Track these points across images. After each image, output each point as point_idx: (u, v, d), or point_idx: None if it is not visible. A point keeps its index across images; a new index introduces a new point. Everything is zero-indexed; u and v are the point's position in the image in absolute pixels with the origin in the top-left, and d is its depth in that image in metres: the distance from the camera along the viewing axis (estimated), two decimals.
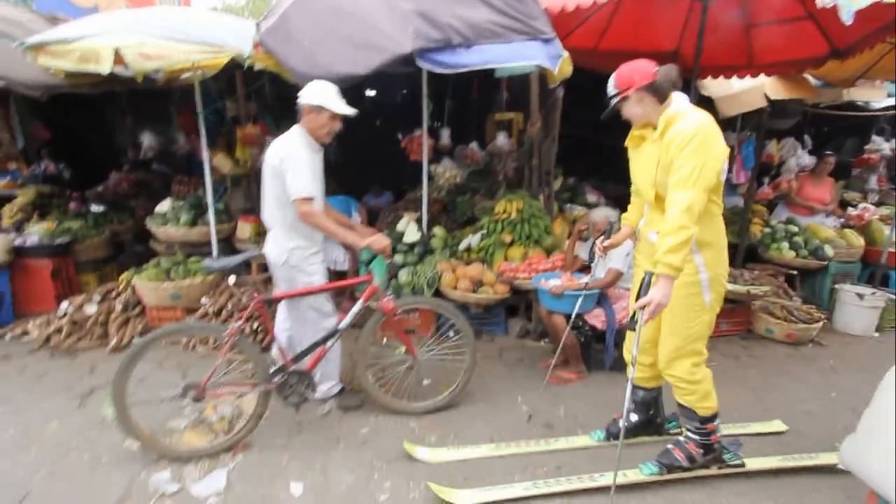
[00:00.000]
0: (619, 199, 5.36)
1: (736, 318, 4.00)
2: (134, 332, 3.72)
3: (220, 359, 2.39)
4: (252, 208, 4.68)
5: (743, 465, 2.24)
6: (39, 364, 3.37)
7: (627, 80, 1.98)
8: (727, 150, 1.88)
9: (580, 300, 2.55)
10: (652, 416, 2.49)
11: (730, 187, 5.74)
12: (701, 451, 2.18)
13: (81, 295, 3.95)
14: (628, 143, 2.19)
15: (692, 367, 2.08)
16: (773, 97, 4.55)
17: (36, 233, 4.36)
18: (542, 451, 2.44)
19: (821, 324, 3.87)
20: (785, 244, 4.63)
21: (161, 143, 5.08)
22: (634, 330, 1.94)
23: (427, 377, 3.12)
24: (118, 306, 3.84)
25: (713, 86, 4.69)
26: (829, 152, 5.23)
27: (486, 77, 4.98)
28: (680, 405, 2.18)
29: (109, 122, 6.28)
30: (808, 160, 5.41)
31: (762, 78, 4.49)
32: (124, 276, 3.96)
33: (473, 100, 5.02)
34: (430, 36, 2.73)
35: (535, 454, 2.43)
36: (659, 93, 1.95)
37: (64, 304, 3.81)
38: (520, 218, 4.04)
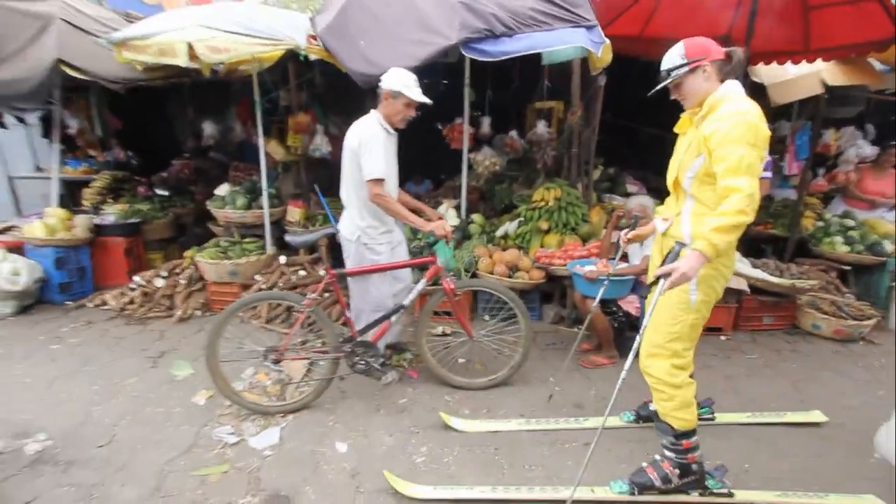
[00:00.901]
0: (661, 190, 5.27)
1: (780, 312, 3.89)
2: (196, 305, 4.09)
3: (296, 326, 2.63)
4: (300, 193, 4.96)
5: (731, 495, 2.04)
6: (117, 329, 3.78)
7: (702, 49, 1.83)
8: (769, 136, 1.75)
9: (605, 283, 2.59)
10: None
11: (781, 178, 5.52)
12: (677, 471, 2.01)
13: (150, 270, 4.37)
14: (678, 128, 2.03)
15: (672, 368, 1.96)
16: (831, 83, 4.33)
17: (111, 214, 4.83)
18: (571, 429, 2.54)
19: (873, 321, 3.71)
20: (839, 238, 4.42)
21: (219, 132, 5.44)
22: (645, 296, 1.85)
23: (463, 356, 3.27)
24: (182, 281, 4.22)
25: (765, 72, 4.50)
26: (894, 142, 4.91)
27: (527, 66, 5.01)
28: (656, 416, 2.07)
29: (171, 113, 6.76)
30: (869, 151, 5.10)
31: (819, 63, 4.27)
32: (188, 254, 4.33)
33: (514, 88, 5.06)
34: (474, 26, 2.83)
35: (564, 430, 2.53)
36: (724, 72, 1.84)
37: (136, 278, 4.23)
38: (557, 206, 4.10)
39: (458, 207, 4.48)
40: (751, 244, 4.83)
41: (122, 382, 2.97)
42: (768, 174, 4.10)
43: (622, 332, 3.30)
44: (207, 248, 4.23)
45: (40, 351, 3.37)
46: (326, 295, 3.92)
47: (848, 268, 4.38)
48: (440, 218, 2.81)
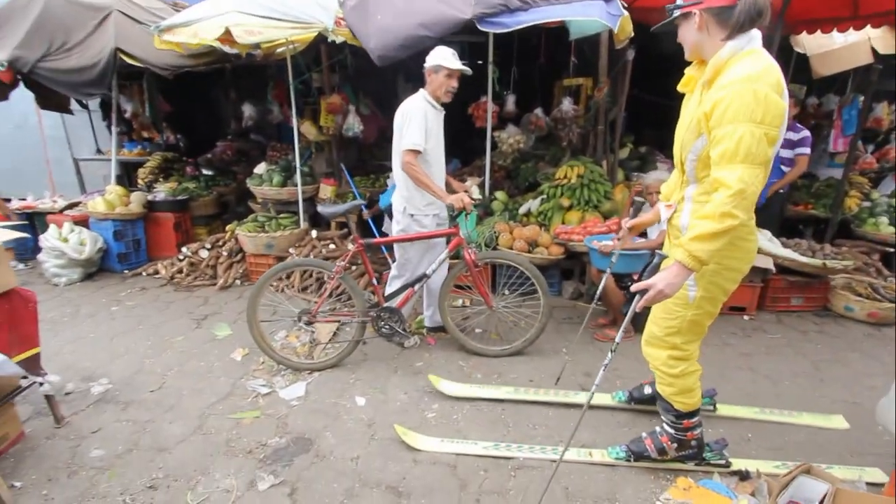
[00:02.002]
0: None
1: (810, 293, 3.76)
2: (236, 274, 4.43)
3: (328, 290, 2.85)
4: (332, 172, 5.19)
5: (728, 465, 2.05)
6: (167, 295, 4.16)
7: None
8: (784, 107, 1.45)
9: (615, 257, 2.62)
10: None
11: (829, 156, 5.24)
12: (674, 445, 2.00)
13: (196, 243, 4.74)
14: (683, 86, 1.74)
15: (669, 359, 1.87)
16: (883, 52, 4.05)
17: (163, 191, 5.25)
18: (559, 402, 2.56)
19: None
20: (884, 219, 4.21)
21: (258, 114, 5.74)
22: (625, 314, 1.70)
23: (480, 326, 3.41)
24: (224, 253, 4.57)
25: (809, 41, 4.27)
26: None
27: (553, 43, 4.96)
28: (658, 393, 2.00)
29: (215, 98, 7.16)
30: None
31: (869, 31, 4.00)
32: (230, 228, 4.67)
33: (540, 66, 5.03)
34: (489, 2, 2.88)
35: (554, 404, 2.55)
36: (730, 24, 1.48)
37: (184, 250, 4.62)
38: (579, 183, 4.10)
39: (482, 185, 4.57)
40: (789, 225, 4.66)
41: (171, 340, 3.31)
42: (806, 150, 3.92)
43: None
44: (246, 222, 4.54)
45: (102, 311, 3.80)
46: (353, 268, 4.16)
47: (892, 250, 4.16)
48: (466, 191, 2.93)
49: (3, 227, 2.14)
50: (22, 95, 5.12)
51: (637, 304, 1.60)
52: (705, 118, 1.51)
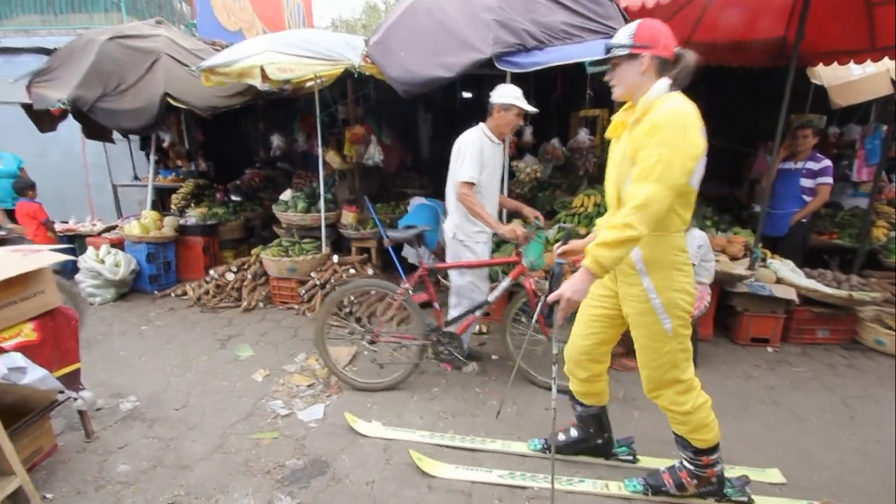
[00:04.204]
0: (720, 200, 5.09)
1: (837, 325, 3.66)
2: (260, 297, 4.56)
3: (391, 312, 2.93)
4: (354, 199, 5.37)
5: (750, 503, 1.99)
6: (194, 316, 4.31)
7: (652, 37, 1.65)
8: (704, 146, 1.58)
9: None
10: (591, 434, 2.27)
11: (853, 186, 5.16)
12: (694, 481, 1.97)
13: (223, 266, 4.92)
14: (610, 132, 1.84)
15: (677, 396, 1.86)
16: None
17: (193, 216, 5.49)
18: (475, 448, 2.43)
19: None
20: None
21: (285, 143, 6.02)
22: (551, 326, 1.75)
23: (496, 353, 3.42)
24: (249, 276, 4.73)
25: (826, 73, 4.29)
26: None
27: (570, 75, 5.10)
28: (674, 432, 1.97)
29: (245, 128, 7.53)
30: None
31: (888, 62, 4.01)
32: (255, 252, 4.85)
33: (557, 99, 5.17)
34: (507, 41, 3.03)
35: (473, 450, 2.43)
36: (665, 73, 1.66)
37: (212, 272, 4.80)
38: (596, 212, 4.14)
39: (499, 214, 4.64)
40: (813, 255, 4.56)
41: (196, 359, 3.42)
42: (828, 179, 3.90)
43: None
44: (271, 247, 4.71)
45: (133, 330, 3.96)
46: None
47: None
48: (537, 217, 3.00)
49: (53, 250, 2.30)
50: (69, 125, 5.50)
51: (557, 319, 1.70)
52: (637, 144, 1.63)
